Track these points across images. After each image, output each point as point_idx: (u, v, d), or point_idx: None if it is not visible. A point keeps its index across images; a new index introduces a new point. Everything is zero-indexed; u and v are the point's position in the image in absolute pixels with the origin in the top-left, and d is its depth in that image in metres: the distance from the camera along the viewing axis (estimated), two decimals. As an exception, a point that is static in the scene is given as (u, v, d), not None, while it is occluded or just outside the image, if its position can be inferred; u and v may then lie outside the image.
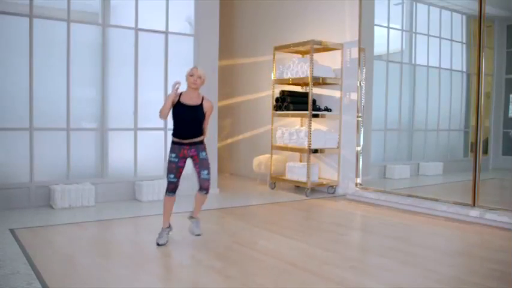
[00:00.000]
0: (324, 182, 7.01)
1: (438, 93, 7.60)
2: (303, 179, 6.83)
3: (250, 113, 8.77)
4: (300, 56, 7.51)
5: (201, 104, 4.13)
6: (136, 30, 6.34)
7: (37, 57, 5.71)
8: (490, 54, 7.18)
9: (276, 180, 7.44)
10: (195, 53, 6.77)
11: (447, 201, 5.61)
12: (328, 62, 7.08)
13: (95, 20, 6.25)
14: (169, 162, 4.12)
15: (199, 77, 4.11)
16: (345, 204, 6.32)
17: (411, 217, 5.53)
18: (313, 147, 6.71)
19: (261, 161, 7.71)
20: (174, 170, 4.11)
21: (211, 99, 6.83)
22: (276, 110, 7.25)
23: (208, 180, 4.12)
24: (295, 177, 7.07)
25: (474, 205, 5.33)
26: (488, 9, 5.44)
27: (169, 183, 4.16)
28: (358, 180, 6.69)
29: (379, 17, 7.12)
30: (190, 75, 4.12)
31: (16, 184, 5.64)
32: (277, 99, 7.25)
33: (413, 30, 7.54)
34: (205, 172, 4.10)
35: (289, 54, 7.52)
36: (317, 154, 7.08)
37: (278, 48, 7.37)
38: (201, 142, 4.15)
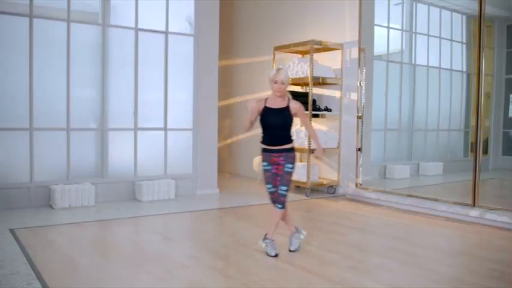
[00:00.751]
0: (324, 182, 7.01)
1: (438, 93, 7.60)
2: (303, 179, 6.83)
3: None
4: (300, 56, 7.51)
5: (288, 106, 3.92)
6: (136, 30, 6.34)
7: (37, 57, 5.71)
8: (490, 54, 7.18)
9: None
10: (195, 53, 6.77)
11: (447, 201, 5.61)
12: (328, 62, 7.08)
13: (95, 20, 6.25)
14: (264, 171, 3.95)
15: (283, 83, 3.86)
16: (345, 204, 6.32)
17: (411, 217, 5.53)
18: (313, 147, 6.71)
19: (261, 161, 7.70)
20: (270, 179, 3.93)
21: (211, 99, 6.93)
22: (276, 110, 7.23)
23: (284, 196, 3.90)
24: (295, 177, 7.06)
25: (474, 205, 5.33)
26: (488, 9, 5.44)
27: (269, 193, 3.96)
28: (358, 180, 6.69)
29: (379, 17, 7.12)
30: (274, 82, 3.86)
31: (16, 184, 5.64)
32: (277, 99, 7.24)
33: (413, 30, 7.54)
34: (284, 188, 3.88)
35: (289, 54, 7.52)
36: (317, 154, 7.06)
37: (278, 48, 7.37)
38: (291, 150, 3.94)
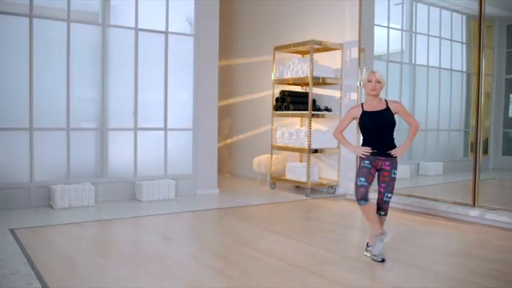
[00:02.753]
0: (324, 182, 7.01)
1: (438, 93, 7.60)
2: (303, 179, 6.83)
3: (250, 113, 8.77)
4: (300, 56, 7.51)
5: (387, 108, 3.76)
6: (136, 30, 6.34)
7: (37, 57, 5.71)
8: (490, 54, 7.18)
9: (276, 180, 7.44)
10: (195, 53, 6.77)
11: (447, 201, 5.61)
12: (328, 62, 7.08)
13: (95, 20, 6.25)
14: (362, 166, 3.76)
15: (378, 82, 3.68)
16: (345, 204, 6.32)
17: (411, 217, 5.53)
18: (313, 147, 6.72)
19: (261, 161, 7.71)
20: (366, 174, 3.71)
21: (211, 99, 6.93)
22: (276, 110, 7.25)
23: (388, 202, 3.80)
24: (295, 177, 7.07)
25: (474, 205, 5.33)
26: (488, 9, 5.44)
27: (359, 186, 3.70)
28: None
29: (379, 17, 7.12)
30: (368, 80, 3.71)
31: (16, 184, 5.64)
32: (277, 99, 7.26)
33: (413, 30, 7.54)
34: (389, 195, 3.77)
35: (289, 54, 7.52)
36: (317, 154, 7.08)
37: (278, 48, 7.37)
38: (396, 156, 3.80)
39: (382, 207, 3.83)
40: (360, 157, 3.84)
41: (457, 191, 6.42)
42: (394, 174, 3.79)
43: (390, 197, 3.81)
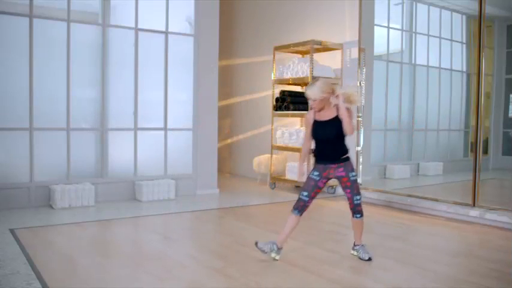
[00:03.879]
0: (324, 182, 7.00)
1: (438, 93, 7.60)
2: (303, 179, 6.82)
3: (250, 113, 8.77)
4: (300, 56, 7.51)
5: (336, 116, 3.68)
6: (136, 30, 6.34)
7: (37, 57, 5.71)
8: (490, 54, 7.18)
9: (276, 180, 7.43)
10: (195, 53, 6.77)
11: (447, 201, 5.61)
12: (328, 62, 7.08)
13: (95, 20, 6.25)
14: (309, 178, 3.79)
15: (314, 100, 3.64)
16: (345, 204, 6.30)
17: (411, 217, 5.53)
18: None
19: (261, 161, 7.71)
20: (311, 188, 3.75)
21: (211, 99, 6.93)
22: (276, 110, 7.25)
23: (360, 204, 3.78)
24: (295, 177, 7.06)
25: (474, 205, 5.33)
26: (488, 9, 5.44)
27: (299, 199, 3.77)
28: (358, 180, 6.68)
29: (379, 17, 7.12)
30: (308, 98, 3.68)
31: (16, 184, 5.64)
32: (277, 99, 7.25)
33: (413, 30, 7.54)
34: (359, 197, 3.75)
35: (289, 54, 7.52)
36: (317, 154, 7.07)
37: (278, 48, 7.37)
38: (348, 159, 3.77)
39: (356, 211, 3.80)
40: (314, 166, 3.81)
41: (457, 191, 6.42)
42: (353, 177, 3.75)
43: (360, 199, 3.79)
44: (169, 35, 6.59)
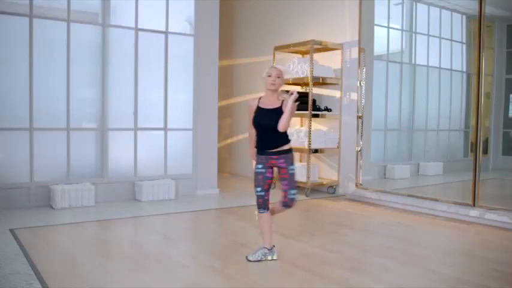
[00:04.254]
0: (324, 182, 7.01)
1: (438, 93, 7.60)
2: (303, 179, 6.83)
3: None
4: (300, 56, 7.51)
5: (280, 107, 3.63)
6: (137, 30, 6.34)
7: (37, 57, 5.71)
8: (490, 54, 7.18)
9: (276, 180, 7.42)
10: (195, 53, 6.77)
11: (447, 201, 5.61)
12: (328, 62, 7.08)
13: (95, 20, 6.25)
14: (256, 173, 3.73)
15: (278, 77, 3.62)
16: (345, 204, 6.32)
17: (411, 217, 5.53)
18: (313, 147, 6.71)
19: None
20: (262, 182, 3.72)
21: (211, 99, 6.93)
22: (276, 110, 7.24)
23: (295, 200, 3.76)
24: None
25: (474, 205, 5.32)
26: (488, 9, 5.44)
27: (257, 197, 3.76)
28: (358, 180, 6.69)
29: (379, 17, 7.12)
30: (268, 75, 3.64)
31: (16, 184, 5.64)
32: (277, 99, 7.24)
33: (413, 30, 7.54)
34: (294, 192, 3.73)
35: (289, 54, 7.52)
36: (317, 154, 7.08)
37: (278, 48, 7.36)
38: (290, 151, 3.73)
39: (289, 204, 3.76)
40: (257, 159, 3.78)
41: (457, 191, 6.42)
42: (291, 170, 3.71)
43: (295, 193, 3.75)
44: (169, 35, 6.59)
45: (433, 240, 4.61)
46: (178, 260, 3.78)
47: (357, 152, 6.73)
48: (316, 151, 6.76)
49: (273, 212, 3.88)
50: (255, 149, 3.80)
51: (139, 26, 6.36)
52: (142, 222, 5.23)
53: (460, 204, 5.46)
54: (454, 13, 7.53)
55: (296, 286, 3.26)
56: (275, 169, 3.79)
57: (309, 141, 6.65)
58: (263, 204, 3.76)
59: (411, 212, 5.77)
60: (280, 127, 3.59)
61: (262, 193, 3.75)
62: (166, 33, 6.57)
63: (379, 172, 7.34)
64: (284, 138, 3.72)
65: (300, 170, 6.97)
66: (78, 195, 5.74)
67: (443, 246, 4.44)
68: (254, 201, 6.47)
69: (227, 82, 9.16)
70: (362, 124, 6.71)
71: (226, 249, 4.11)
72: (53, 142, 5.89)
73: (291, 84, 7.29)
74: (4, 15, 5.50)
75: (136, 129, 6.40)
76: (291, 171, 3.72)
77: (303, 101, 6.94)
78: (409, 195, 6.05)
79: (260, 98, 3.76)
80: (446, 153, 7.79)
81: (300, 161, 7.53)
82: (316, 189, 7.14)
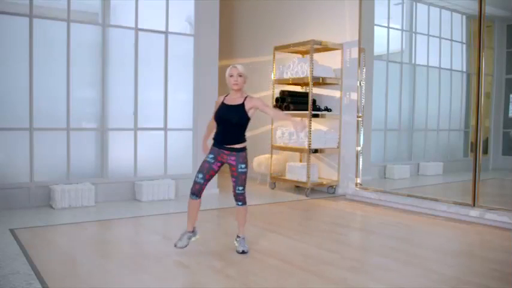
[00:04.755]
0: (324, 182, 7.01)
1: (438, 93, 7.60)
2: (303, 179, 6.83)
3: (250, 113, 8.76)
4: (300, 56, 7.51)
5: (243, 103, 3.77)
6: (137, 30, 6.34)
7: (37, 57, 5.71)
8: (490, 54, 7.18)
9: (276, 180, 7.44)
10: (195, 53, 6.77)
11: (447, 201, 5.61)
12: (328, 62, 7.08)
13: (95, 20, 6.25)
14: (204, 161, 3.84)
15: (240, 76, 3.77)
16: (345, 204, 6.32)
17: (411, 217, 5.53)
18: (313, 147, 6.71)
19: (261, 161, 7.71)
20: (205, 170, 3.80)
21: (211, 99, 6.91)
22: (276, 110, 7.25)
23: (243, 194, 3.90)
24: (295, 177, 7.06)
25: (474, 205, 5.33)
26: (488, 9, 5.44)
27: (195, 183, 3.83)
28: (358, 180, 6.69)
29: (379, 17, 7.12)
30: (230, 75, 3.78)
31: (16, 184, 5.64)
32: (277, 99, 7.25)
33: (413, 30, 7.54)
34: (241, 188, 3.87)
35: (289, 54, 7.52)
36: (317, 154, 7.08)
37: (278, 48, 7.37)
38: (243, 150, 3.83)
39: (237, 199, 3.93)
40: (210, 148, 3.90)
41: (457, 191, 6.42)
42: (241, 169, 3.82)
43: (242, 189, 3.88)
44: (169, 35, 6.59)
45: (433, 240, 4.61)
46: (178, 260, 3.78)
47: (357, 152, 6.73)
48: (316, 151, 6.76)
49: (239, 221, 4.03)
50: (207, 142, 3.99)
51: (140, 26, 6.36)
52: (142, 222, 5.23)
53: (460, 204, 5.46)
54: (454, 13, 7.53)
55: (296, 286, 3.26)
56: (226, 166, 3.91)
57: (309, 141, 6.65)
58: (197, 192, 3.85)
59: (411, 212, 5.76)
60: (273, 114, 4.02)
61: (202, 181, 3.83)
62: (166, 33, 6.57)
63: (379, 172, 7.34)
64: (240, 136, 3.83)
65: (300, 170, 6.98)
66: (78, 195, 5.74)
67: (444, 246, 4.44)
68: (255, 201, 6.49)
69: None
70: (362, 124, 6.71)
71: (226, 249, 4.11)
72: (53, 142, 5.89)
73: (291, 84, 7.29)
74: (4, 15, 5.50)
75: (136, 129, 6.40)
76: (240, 170, 3.82)
77: (302, 101, 6.96)
78: (409, 195, 6.05)
79: (226, 96, 3.92)
80: (446, 153, 7.80)
81: (300, 161, 7.53)
82: (316, 189, 7.14)
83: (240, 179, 3.85)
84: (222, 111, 3.81)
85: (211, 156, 3.84)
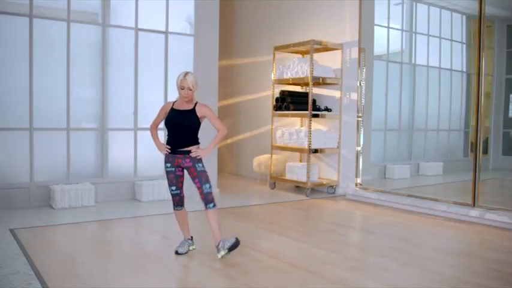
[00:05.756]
0: (324, 182, 7.01)
1: (438, 93, 7.60)
2: (303, 179, 6.83)
3: (250, 113, 8.77)
4: (300, 56, 7.51)
5: (194, 109, 3.83)
6: (137, 30, 6.34)
7: (37, 57, 5.71)
8: (490, 54, 7.18)
9: (276, 180, 7.43)
10: (195, 53, 6.77)
11: (447, 201, 5.61)
12: (328, 62, 7.08)
13: (95, 20, 6.25)
14: (167, 172, 3.87)
15: (190, 89, 3.76)
16: (345, 204, 6.31)
17: (411, 217, 5.53)
18: (313, 147, 6.71)
19: (261, 161, 7.71)
20: (174, 180, 3.86)
21: (211, 99, 6.92)
22: (276, 110, 7.25)
23: (211, 192, 3.80)
24: (295, 177, 7.06)
25: (474, 205, 5.33)
26: (488, 9, 5.44)
27: (172, 196, 3.90)
28: (358, 180, 6.69)
29: (379, 17, 7.12)
30: (181, 88, 3.77)
31: (16, 184, 5.64)
32: (277, 99, 7.25)
33: (413, 30, 7.54)
34: (207, 186, 3.79)
35: (289, 54, 7.52)
36: (317, 154, 7.08)
37: (278, 48, 7.36)
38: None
39: (207, 199, 3.77)
40: (165, 157, 3.91)
41: (457, 191, 6.42)
42: (199, 167, 3.82)
43: (209, 187, 3.80)
44: (169, 35, 6.59)
45: (433, 240, 4.61)
46: (178, 260, 3.78)
47: (357, 152, 6.73)
48: (316, 151, 6.76)
49: (212, 226, 3.85)
50: (159, 141, 4.01)
51: (140, 26, 6.35)
52: (142, 222, 5.23)
53: (460, 204, 5.46)
54: (454, 13, 7.53)
55: (296, 286, 3.26)
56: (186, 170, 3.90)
57: (309, 141, 6.65)
58: (180, 202, 3.92)
59: (411, 212, 5.76)
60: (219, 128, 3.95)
61: (178, 191, 3.89)
62: (166, 33, 6.57)
63: (379, 172, 7.34)
64: (193, 139, 3.89)
65: (300, 170, 6.98)
66: (78, 195, 5.74)
67: (443, 246, 4.44)
68: (254, 201, 6.49)
69: (227, 82, 9.16)
70: (362, 124, 6.71)
71: (226, 249, 4.11)
72: (53, 142, 5.89)
73: (291, 84, 7.30)
74: (4, 15, 5.49)
75: (136, 129, 6.40)
76: (199, 169, 3.82)
77: (302, 101, 6.96)
78: (409, 195, 6.05)
79: (175, 102, 3.95)
80: (446, 153, 7.80)
81: (300, 161, 7.53)
82: (316, 189, 7.14)
83: (202, 176, 3.79)
84: (173, 116, 3.85)
85: (169, 165, 3.87)
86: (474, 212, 5.23)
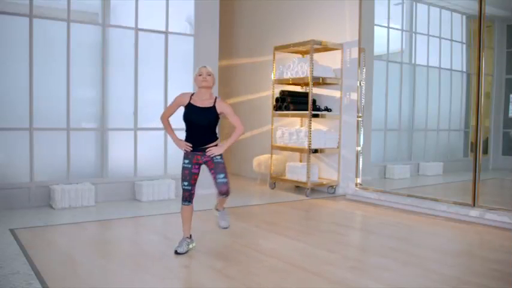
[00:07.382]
0: (324, 182, 7.01)
1: (438, 93, 7.60)
2: (303, 179, 6.83)
3: (250, 113, 8.77)
4: (300, 56, 7.51)
5: (214, 106, 3.83)
6: (137, 30, 6.34)
7: (37, 57, 5.71)
8: (490, 54, 7.18)
9: (276, 180, 7.43)
10: (195, 53, 6.77)
11: (447, 201, 5.61)
12: (328, 62, 7.08)
13: (95, 20, 6.25)
14: (183, 168, 3.89)
15: (209, 75, 3.77)
16: (345, 204, 6.32)
17: (411, 217, 5.53)
18: (313, 147, 6.71)
19: (261, 161, 7.71)
20: (188, 176, 3.87)
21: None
22: (276, 110, 7.25)
23: (226, 183, 3.83)
24: (295, 177, 7.06)
25: (474, 205, 5.33)
26: (488, 9, 5.44)
27: (183, 190, 3.91)
28: (358, 180, 6.69)
29: (379, 17, 7.12)
30: (198, 74, 3.79)
31: (16, 184, 5.64)
32: (277, 99, 7.25)
33: (413, 30, 7.54)
34: (222, 175, 3.81)
35: (289, 54, 7.52)
36: (317, 154, 7.08)
37: (278, 48, 7.36)
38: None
39: (222, 191, 3.83)
40: (184, 153, 3.94)
41: (457, 191, 6.42)
42: (216, 159, 3.83)
43: (224, 177, 3.82)
44: (169, 35, 6.59)
45: (433, 240, 4.61)
46: (178, 260, 3.78)
47: (357, 152, 6.73)
48: (316, 151, 6.76)
49: (220, 202, 4.11)
50: (176, 136, 4.00)
51: (139, 26, 6.36)
52: (142, 222, 5.23)
53: (460, 204, 5.46)
54: (454, 13, 7.53)
55: (296, 286, 3.26)
56: (203, 166, 3.93)
57: (309, 141, 6.65)
58: (189, 198, 3.93)
59: (411, 212, 5.77)
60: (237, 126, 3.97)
61: (189, 187, 3.90)
62: (166, 33, 6.57)
63: (379, 172, 7.34)
64: (213, 136, 3.92)
65: (300, 170, 6.98)
66: (78, 195, 5.74)
67: (444, 246, 4.44)
68: (255, 201, 6.49)
69: (227, 82, 9.15)
70: (362, 124, 6.71)
71: (226, 249, 4.12)
72: (53, 142, 5.88)
73: (291, 84, 7.29)
74: (4, 15, 5.49)
75: (136, 129, 6.40)
76: (216, 160, 3.82)
77: (302, 101, 6.96)
78: (409, 195, 6.05)
79: (192, 95, 3.89)
80: (446, 153, 7.79)
81: (300, 161, 7.53)
82: (316, 189, 7.14)
83: (218, 167, 3.81)
84: (193, 114, 3.84)
85: (187, 161, 3.89)
86: (474, 212, 5.23)
